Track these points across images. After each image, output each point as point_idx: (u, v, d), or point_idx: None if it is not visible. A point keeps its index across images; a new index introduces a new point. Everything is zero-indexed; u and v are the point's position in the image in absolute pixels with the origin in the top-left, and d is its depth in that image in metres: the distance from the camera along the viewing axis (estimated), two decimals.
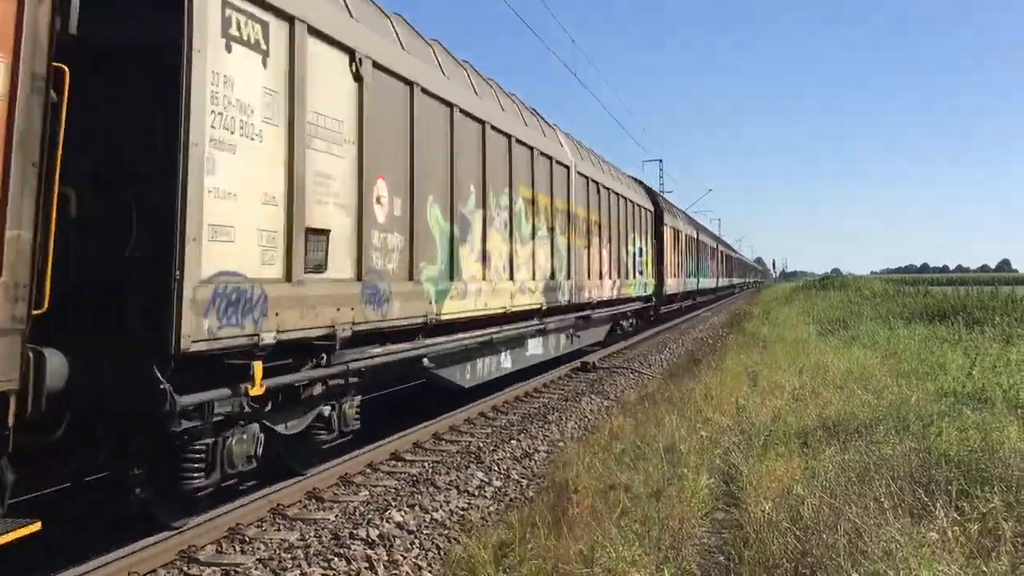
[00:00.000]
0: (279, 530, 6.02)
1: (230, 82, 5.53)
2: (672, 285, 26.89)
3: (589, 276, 15.88)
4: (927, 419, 7.76)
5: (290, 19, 6.20)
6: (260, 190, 5.86)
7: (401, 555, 5.46)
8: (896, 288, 39.88)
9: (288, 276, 6.12)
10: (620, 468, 6.86)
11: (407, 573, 5.22)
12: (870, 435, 7.27)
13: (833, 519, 4.82)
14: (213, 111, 5.35)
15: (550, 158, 13.36)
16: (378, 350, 7.67)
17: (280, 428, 6.44)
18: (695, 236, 33.56)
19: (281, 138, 6.13)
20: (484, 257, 10.35)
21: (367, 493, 7.04)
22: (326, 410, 7.06)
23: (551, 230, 13.29)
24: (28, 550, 4.69)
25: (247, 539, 5.74)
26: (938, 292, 31.03)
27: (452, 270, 9.31)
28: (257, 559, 5.34)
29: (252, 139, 5.77)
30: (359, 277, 7.22)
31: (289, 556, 5.37)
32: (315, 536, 5.81)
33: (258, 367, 5.75)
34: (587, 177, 15.83)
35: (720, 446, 7.53)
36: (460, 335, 9.62)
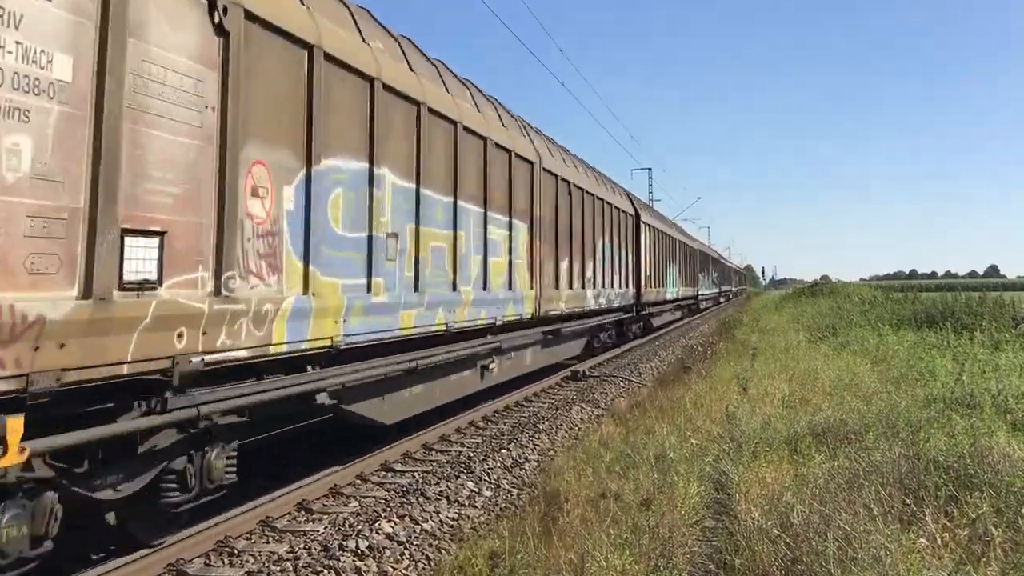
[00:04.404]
0: (268, 542, 5.98)
1: None
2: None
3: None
4: (916, 425, 7.79)
5: None
6: None
7: (391, 566, 5.43)
8: (885, 294, 40.05)
9: None
10: (610, 477, 6.86)
11: None
12: (859, 441, 7.29)
13: (822, 526, 4.82)
14: None
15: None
16: None
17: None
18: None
19: None
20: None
21: (357, 504, 7.00)
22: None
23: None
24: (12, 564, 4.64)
25: (236, 552, 5.70)
26: (927, 298, 31.16)
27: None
28: (246, 572, 5.31)
29: None
30: None
31: (278, 569, 5.34)
32: (304, 548, 5.77)
33: None
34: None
35: (710, 454, 7.53)
36: None
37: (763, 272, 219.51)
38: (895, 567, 4.16)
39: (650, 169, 77.36)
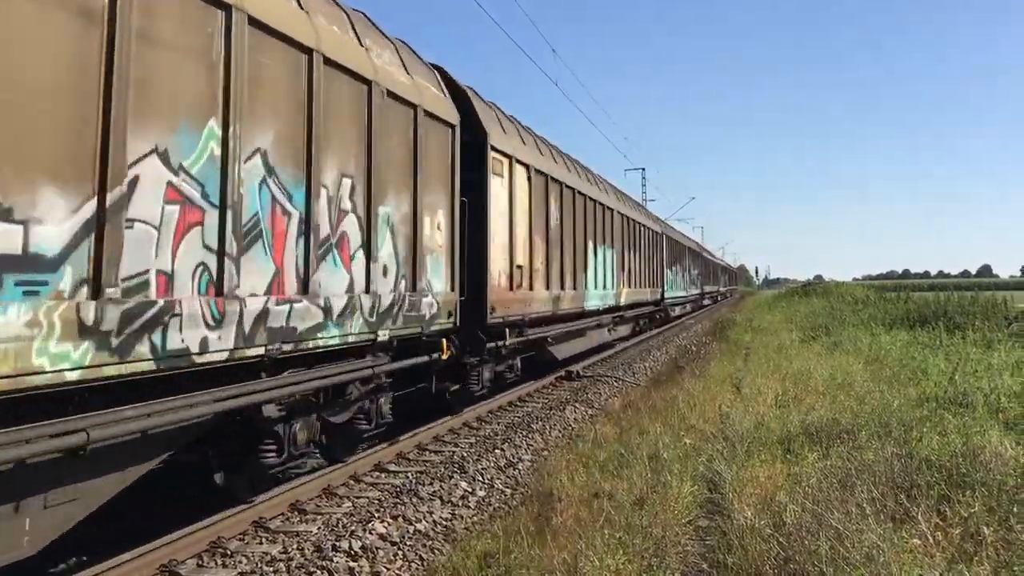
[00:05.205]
0: (261, 543, 5.97)
1: None
2: None
3: None
4: (909, 424, 7.81)
5: None
6: None
7: (384, 567, 5.42)
8: (878, 294, 40.23)
9: None
10: (604, 476, 6.86)
11: None
12: (852, 441, 7.30)
13: (815, 525, 4.82)
14: None
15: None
16: None
17: None
18: None
19: None
20: None
21: (350, 504, 6.99)
22: None
23: None
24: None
25: (229, 552, 5.68)
26: (919, 298, 31.28)
27: None
28: (239, 573, 5.29)
29: None
30: None
31: (271, 570, 5.32)
32: (298, 549, 5.76)
33: None
34: None
35: (704, 453, 7.53)
36: None
37: (756, 272, 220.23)
38: (887, 566, 4.16)
39: (643, 169, 75.11)
